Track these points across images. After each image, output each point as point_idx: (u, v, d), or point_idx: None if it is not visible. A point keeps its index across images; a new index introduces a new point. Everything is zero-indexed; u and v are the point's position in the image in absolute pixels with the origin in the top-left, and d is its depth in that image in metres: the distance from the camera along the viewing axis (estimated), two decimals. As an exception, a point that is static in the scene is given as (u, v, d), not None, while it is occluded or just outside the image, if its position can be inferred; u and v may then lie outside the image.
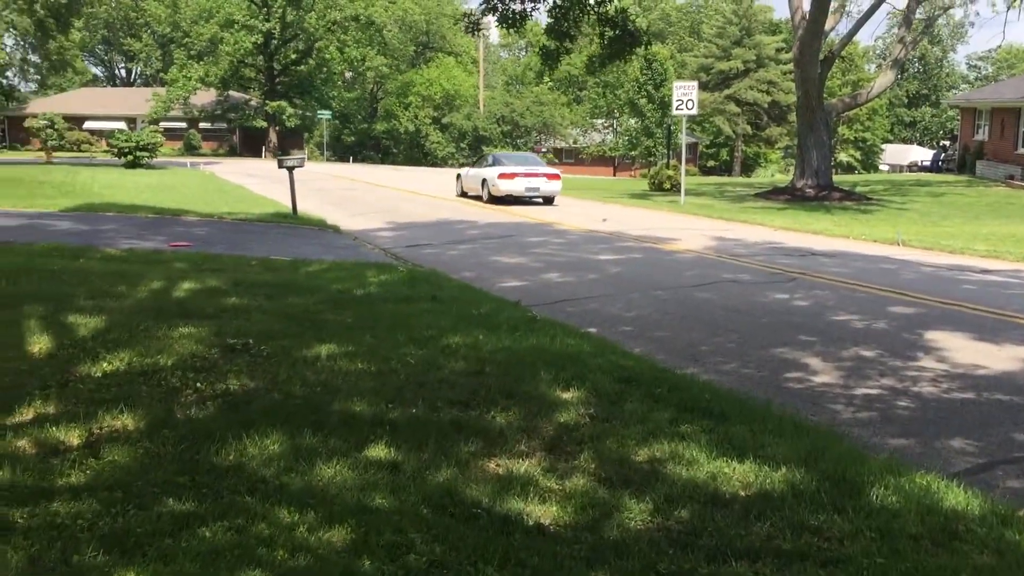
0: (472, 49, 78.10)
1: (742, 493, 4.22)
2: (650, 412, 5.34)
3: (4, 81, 57.56)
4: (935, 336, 8.29)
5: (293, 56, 65.56)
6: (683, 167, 24.81)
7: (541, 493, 4.07)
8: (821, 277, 11.72)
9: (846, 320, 9.05)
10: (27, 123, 58.74)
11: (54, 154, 45.94)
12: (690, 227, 18.43)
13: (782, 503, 4.07)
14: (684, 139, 26.28)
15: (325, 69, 63.08)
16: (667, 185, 30.38)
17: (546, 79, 70.32)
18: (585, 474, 4.36)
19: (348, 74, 65.85)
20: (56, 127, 55.77)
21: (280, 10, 58.52)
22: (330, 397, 5.28)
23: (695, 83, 23.56)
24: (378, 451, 4.44)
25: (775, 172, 58.41)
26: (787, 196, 26.95)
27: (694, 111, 23.45)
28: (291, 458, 4.26)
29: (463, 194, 28.01)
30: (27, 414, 4.73)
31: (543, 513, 3.87)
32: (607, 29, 8.16)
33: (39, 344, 6.09)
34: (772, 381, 6.76)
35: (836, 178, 30.35)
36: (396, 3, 68.80)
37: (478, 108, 63.70)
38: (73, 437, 4.43)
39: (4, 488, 3.74)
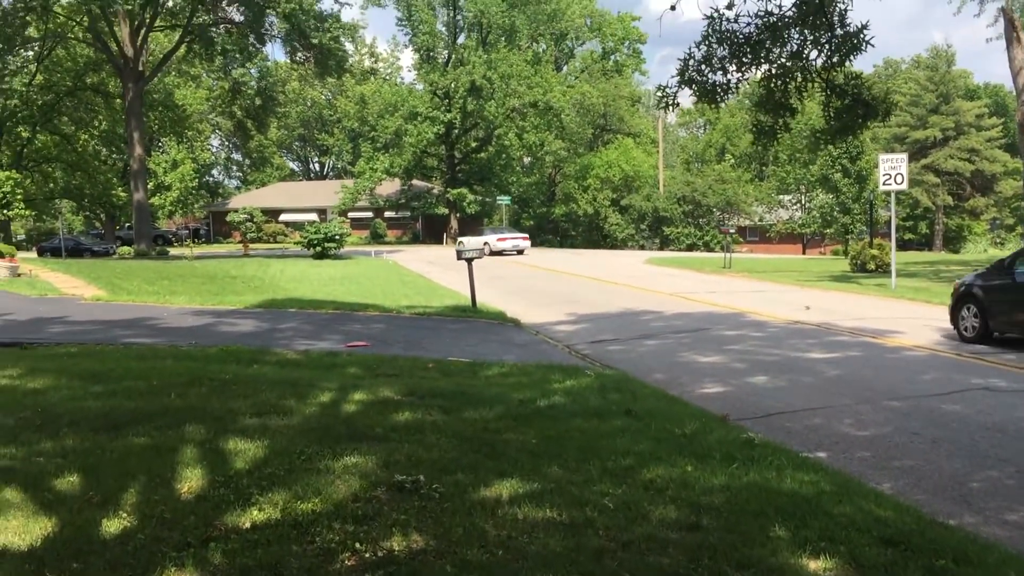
0: (651, 129, 77.65)
1: None
2: (940, 603, 3.95)
3: (210, 179, 61.99)
4: None
5: (473, 144, 67.25)
6: (893, 246, 22.55)
7: None
8: (1096, 382, 9.69)
9: None
10: (229, 217, 62.82)
11: (251, 246, 48.51)
12: (910, 316, 16.39)
13: None
14: (894, 215, 23.95)
15: (504, 155, 64.16)
16: (871, 265, 28.06)
17: (728, 157, 68.60)
18: None
19: (527, 159, 66.68)
20: (254, 220, 59.25)
21: (461, 100, 60.23)
22: (515, 567, 4.19)
23: (904, 156, 21.49)
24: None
25: (987, 247, 53.68)
26: (1015, 276, 23.98)
27: (904, 185, 21.38)
28: None
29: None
30: (155, 589, 3.91)
31: None
32: (834, 99, 6.92)
33: (190, 481, 5.38)
34: (1084, 541, 5.14)
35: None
36: (574, 87, 69.52)
37: (658, 188, 62.67)
38: (199, 631, 3.54)
39: None
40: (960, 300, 13.75)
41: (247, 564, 4.16)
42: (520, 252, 43.35)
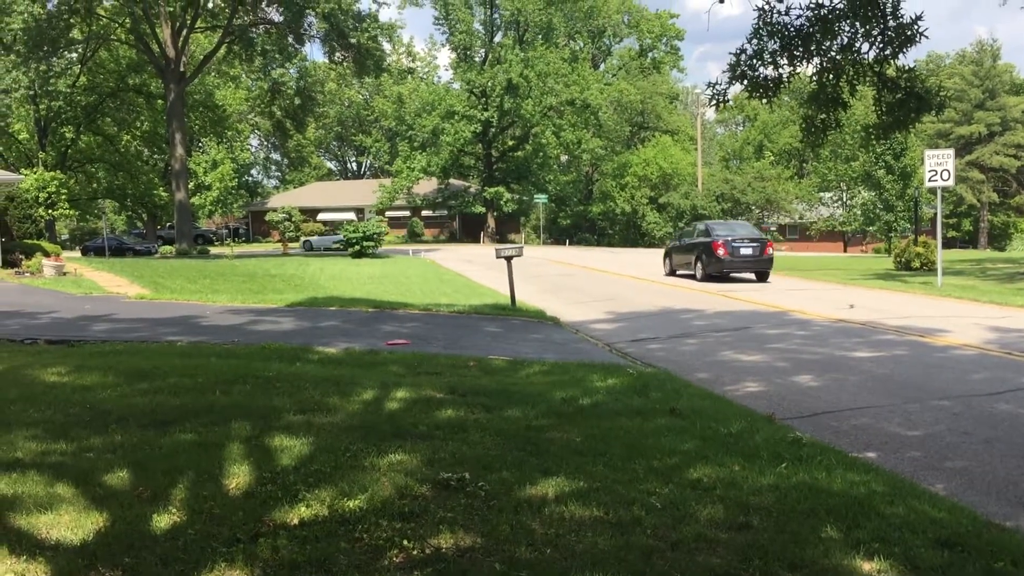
0: (688, 127, 77.14)
1: None
2: (1001, 607, 3.84)
3: (249, 179, 62.65)
4: None
5: (510, 143, 67.27)
6: (939, 243, 22.14)
7: None
8: None
9: None
10: (268, 216, 63.42)
11: (290, 245, 48.90)
12: (957, 314, 16.07)
13: None
14: (940, 212, 23.48)
15: (541, 154, 64.11)
16: (916, 264, 27.63)
17: (767, 154, 67.92)
18: None
19: (564, 157, 66.56)
20: (293, 219, 59.77)
21: (498, 99, 60.28)
22: (563, 566, 4.15)
23: (950, 152, 21.09)
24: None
25: (1034, 244, 52.65)
26: (1064, 273, 23.55)
27: (950, 182, 20.97)
28: None
29: None
30: (206, 584, 3.93)
31: None
32: (886, 93, 6.77)
33: (237, 477, 5.41)
34: None
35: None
36: (611, 85, 69.25)
37: (696, 186, 62.22)
38: (250, 627, 3.54)
39: None
40: (665, 254, 29.00)
41: (296, 560, 4.16)
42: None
